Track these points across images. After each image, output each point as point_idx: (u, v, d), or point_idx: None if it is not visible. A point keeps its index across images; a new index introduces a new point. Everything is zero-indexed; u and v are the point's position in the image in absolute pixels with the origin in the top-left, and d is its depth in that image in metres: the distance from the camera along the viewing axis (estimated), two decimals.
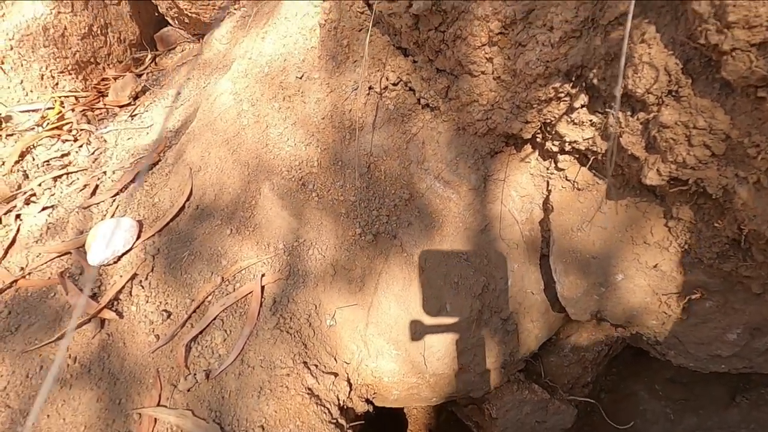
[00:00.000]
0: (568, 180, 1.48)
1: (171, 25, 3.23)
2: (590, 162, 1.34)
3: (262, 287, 1.48)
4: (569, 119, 1.28)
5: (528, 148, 1.52)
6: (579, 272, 1.43)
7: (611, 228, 1.39)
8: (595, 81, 1.14)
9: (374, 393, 1.59)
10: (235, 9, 2.80)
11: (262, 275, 1.50)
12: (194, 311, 1.46)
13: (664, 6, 0.96)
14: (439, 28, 1.33)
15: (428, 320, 1.47)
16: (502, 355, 1.60)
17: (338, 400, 1.40)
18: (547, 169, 1.51)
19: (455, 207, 1.53)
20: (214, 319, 1.43)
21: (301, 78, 1.69)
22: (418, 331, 1.46)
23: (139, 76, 2.95)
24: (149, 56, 3.13)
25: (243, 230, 1.58)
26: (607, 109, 1.19)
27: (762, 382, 1.67)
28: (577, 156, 1.41)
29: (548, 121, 1.31)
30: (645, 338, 1.57)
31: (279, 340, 1.39)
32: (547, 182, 1.53)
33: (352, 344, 1.48)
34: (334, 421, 1.33)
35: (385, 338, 1.47)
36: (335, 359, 1.46)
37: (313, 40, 1.68)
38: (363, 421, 1.52)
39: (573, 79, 1.18)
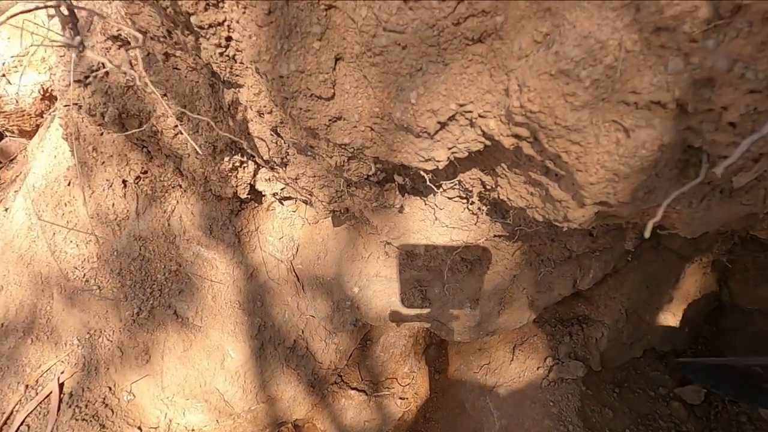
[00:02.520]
0: (303, 218, 1.71)
1: (7, 136, 3.32)
2: (300, 202, 1.58)
3: (61, 384, 1.64)
4: (261, 178, 1.51)
5: (269, 197, 1.75)
6: (325, 295, 1.66)
7: (340, 251, 1.63)
8: (249, 151, 1.37)
9: None
10: (48, 114, 2.94)
11: (61, 373, 1.67)
12: (5, 423, 1.61)
13: None
14: (140, 127, 1.54)
15: (216, 369, 1.67)
16: (305, 376, 1.82)
17: None
18: (287, 211, 1.74)
19: (220, 265, 1.73)
20: (21, 425, 1.59)
21: (69, 185, 1.87)
22: (207, 383, 1.65)
23: None
24: None
25: (42, 336, 1.74)
26: (276, 167, 1.43)
27: (531, 332, 1.95)
28: (296, 199, 1.64)
29: (250, 182, 1.53)
30: (423, 325, 1.81)
31: (77, 429, 1.56)
32: (292, 222, 1.76)
33: (155, 410, 1.66)
34: None
35: (183, 396, 1.66)
36: (140, 429, 1.64)
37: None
38: None
39: (237, 151, 1.41)
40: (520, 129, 0.70)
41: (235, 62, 0.96)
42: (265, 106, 1.03)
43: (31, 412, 1.62)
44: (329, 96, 0.83)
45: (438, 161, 0.83)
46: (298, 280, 1.80)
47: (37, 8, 0.83)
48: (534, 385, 1.82)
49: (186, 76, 1.32)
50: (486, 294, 1.62)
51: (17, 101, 2.87)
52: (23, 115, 2.95)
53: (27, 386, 1.67)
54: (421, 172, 0.94)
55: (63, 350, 1.71)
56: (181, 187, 1.72)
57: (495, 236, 1.25)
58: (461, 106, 0.73)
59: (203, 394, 1.67)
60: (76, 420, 1.58)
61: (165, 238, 1.76)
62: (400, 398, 2.04)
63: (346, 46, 0.77)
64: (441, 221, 1.22)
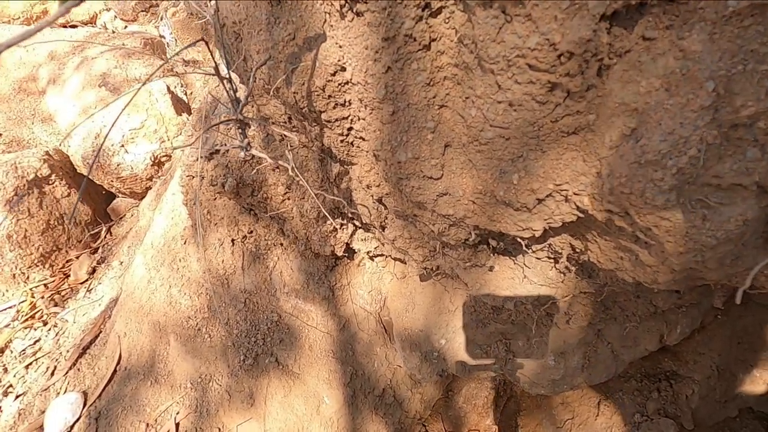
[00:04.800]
0: (392, 273, 1.85)
1: (118, 196, 3.77)
2: (390, 259, 1.72)
3: (177, 424, 1.83)
4: (357, 238, 1.68)
5: (360, 254, 1.92)
6: (413, 346, 1.77)
7: (427, 304, 1.75)
8: (350, 215, 1.55)
9: None
10: (157, 178, 3.34)
11: (177, 413, 1.86)
12: None
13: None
14: (252, 194, 1.76)
15: (312, 415, 1.80)
16: (391, 425, 1.91)
17: None
18: (377, 267, 1.89)
19: (315, 316, 1.90)
20: None
21: (185, 244, 2.13)
22: (304, 427, 1.78)
23: (96, 250, 3.43)
24: (104, 229, 3.62)
25: (160, 379, 1.96)
26: (374, 228, 1.59)
27: (616, 388, 1.94)
28: (386, 257, 1.79)
29: (347, 242, 1.70)
30: (506, 379, 1.87)
31: None
32: (381, 277, 1.91)
33: None
34: None
35: None
36: None
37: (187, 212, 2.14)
38: None
39: (339, 215, 1.59)
40: (611, 206, 0.81)
41: (353, 147, 1.14)
42: (374, 181, 1.20)
43: None
44: (438, 176, 0.98)
45: (535, 230, 0.95)
46: (386, 331, 1.93)
47: (223, 121, 1.05)
48: None
49: (298, 152, 1.54)
50: (571, 347, 1.67)
51: (132, 167, 3.29)
52: (136, 179, 3.36)
53: (147, 425, 1.87)
54: (518, 239, 1.06)
55: (178, 393, 1.91)
56: (282, 245, 1.92)
57: (581, 293, 1.33)
58: (558, 185, 0.86)
59: None
60: None
61: (267, 291, 1.96)
62: None
63: (455, 136, 0.92)
64: (529, 279, 1.32)
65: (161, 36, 4.53)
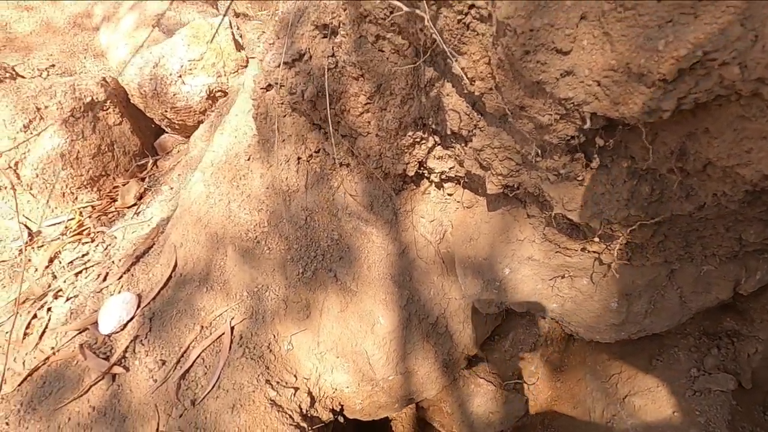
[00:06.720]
0: (458, 202, 1.84)
1: (166, 132, 3.81)
2: (462, 184, 1.71)
3: (232, 328, 1.85)
4: (433, 156, 1.66)
5: (425, 182, 1.90)
6: (475, 273, 1.75)
7: (494, 233, 1.73)
8: (434, 126, 1.53)
9: (340, 404, 1.91)
10: (210, 111, 3.36)
11: (232, 318, 1.88)
12: (182, 356, 1.84)
13: (450, 70, 1.36)
14: (330, 106, 1.76)
15: (366, 333, 1.80)
16: (441, 354, 1.90)
17: (300, 408, 1.73)
18: (443, 196, 1.88)
19: (376, 239, 1.90)
20: (197, 358, 1.81)
21: (248, 160, 2.14)
22: (357, 344, 1.79)
23: (143, 179, 3.49)
24: (150, 161, 3.67)
25: (215, 287, 1.98)
26: (454, 144, 1.58)
27: (671, 344, 1.90)
28: (456, 182, 1.78)
29: (421, 160, 1.69)
30: (558, 321, 1.85)
31: (246, 367, 1.75)
32: (446, 206, 1.89)
33: (309, 362, 1.82)
34: (296, 424, 1.66)
35: (334, 353, 1.81)
36: (295, 376, 1.80)
37: (254, 129, 2.14)
38: (326, 423, 1.82)
39: (420, 127, 1.58)
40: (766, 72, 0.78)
41: (467, 30, 1.12)
42: (481, 72, 1.18)
43: (206, 348, 1.83)
44: (568, 50, 0.95)
45: (663, 111, 0.92)
46: (443, 262, 1.92)
47: None
48: (676, 393, 1.77)
49: (388, 58, 1.52)
50: (638, 290, 1.64)
51: (187, 99, 3.32)
52: (190, 111, 3.39)
53: (202, 327, 1.89)
54: (639, 125, 1.03)
55: (233, 300, 1.93)
56: (349, 165, 1.92)
57: (672, 215, 1.29)
58: (706, 54, 0.83)
59: (352, 355, 1.81)
60: (246, 358, 1.76)
61: (329, 211, 1.96)
62: (526, 396, 2.06)
63: (594, 5, 0.90)
64: (620, 195, 1.29)
65: None
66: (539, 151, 1.27)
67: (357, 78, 1.63)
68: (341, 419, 1.92)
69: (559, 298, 1.76)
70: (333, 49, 1.68)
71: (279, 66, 1.76)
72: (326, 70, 1.69)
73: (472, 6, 1.07)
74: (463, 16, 1.09)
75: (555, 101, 1.05)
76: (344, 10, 1.59)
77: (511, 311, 1.90)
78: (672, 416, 1.75)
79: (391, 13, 1.36)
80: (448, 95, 1.40)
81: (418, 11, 1.07)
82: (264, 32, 3.98)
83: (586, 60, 0.96)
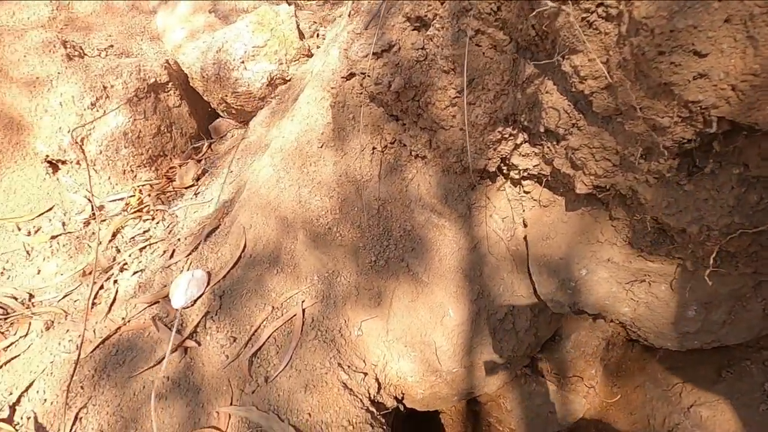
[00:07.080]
0: (535, 200, 1.84)
1: (222, 116, 3.88)
2: (544, 183, 1.71)
3: (303, 310, 1.89)
4: (518, 153, 1.67)
5: (501, 179, 1.91)
6: (550, 272, 1.76)
7: (572, 233, 1.73)
8: (525, 123, 1.54)
9: (402, 393, 1.93)
10: (270, 98, 3.41)
11: (303, 301, 1.92)
12: (253, 334, 1.89)
13: (553, 65, 1.36)
14: (414, 98, 1.77)
15: (436, 324, 1.82)
16: (505, 351, 1.91)
17: (369, 393, 1.76)
18: (518, 193, 1.88)
19: (449, 232, 1.91)
20: (268, 338, 1.85)
21: (321, 147, 2.18)
22: (426, 334, 1.81)
23: (199, 161, 3.57)
24: (206, 144, 3.75)
25: (286, 269, 2.02)
26: (542, 141, 1.58)
27: (742, 356, 1.87)
28: (537, 180, 1.78)
29: (504, 156, 1.70)
30: (627, 326, 1.84)
31: (318, 348, 1.78)
32: (521, 204, 1.90)
33: (377, 349, 1.85)
34: (365, 407, 1.69)
35: (402, 342, 1.83)
36: (364, 362, 1.83)
37: (328, 117, 2.17)
38: (390, 410, 1.85)
39: (510, 123, 1.58)
40: None
41: (590, 27, 1.12)
42: (596, 71, 1.18)
43: (278, 328, 1.87)
44: (706, 53, 0.95)
45: None
46: (513, 259, 1.92)
47: None
48: (748, 407, 1.75)
49: (484, 53, 1.53)
50: (719, 298, 1.62)
51: (248, 84, 3.37)
52: (250, 97, 3.45)
53: (273, 307, 1.94)
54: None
55: (304, 284, 1.97)
56: (425, 158, 1.93)
57: None
58: None
59: (420, 345, 1.83)
60: (318, 341, 1.80)
61: (401, 202, 1.98)
62: (584, 398, 2.06)
63: (741, 8, 0.89)
64: (725, 202, 1.27)
65: None
66: (644, 153, 1.26)
67: (447, 71, 1.64)
68: (401, 407, 1.95)
69: (633, 303, 1.75)
70: (423, 41, 1.69)
71: (366, 56, 1.78)
72: (415, 62, 1.70)
73: (600, 4, 1.07)
74: (588, 14, 1.09)
75: (680, 103, 1.05)
76: (442, 3, 1.60)
77: (577, 312, 1.89)
78: (741, 430, 1.73)
79: (499, 9, 1.37)
80: (547, 92, 1.40)
81: (564, 7, 1.08)
82: (315, 22, 4.02)
83: (723, 63, 0.95)
